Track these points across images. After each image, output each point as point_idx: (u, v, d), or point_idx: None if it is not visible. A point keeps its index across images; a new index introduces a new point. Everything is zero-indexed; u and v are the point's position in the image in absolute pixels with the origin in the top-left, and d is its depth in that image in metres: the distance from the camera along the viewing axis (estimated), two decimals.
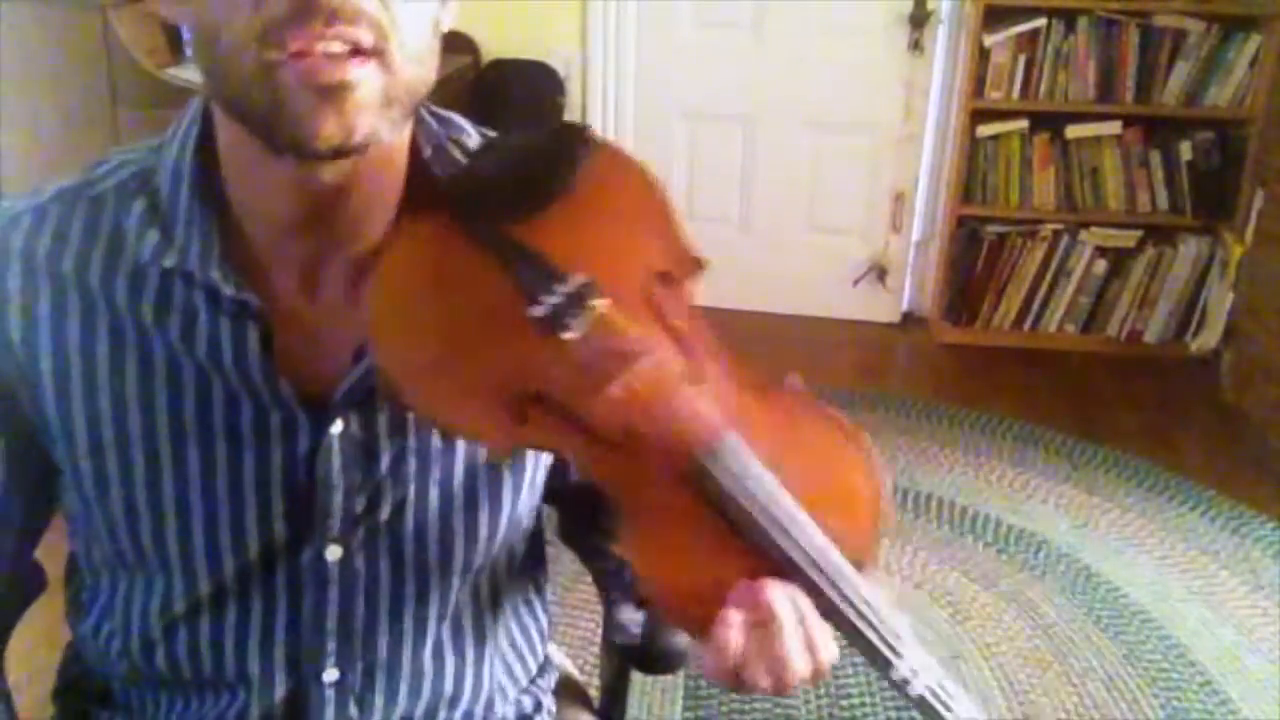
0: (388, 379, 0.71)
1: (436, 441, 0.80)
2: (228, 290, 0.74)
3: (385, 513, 0.80)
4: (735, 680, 0.71)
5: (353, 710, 0.84)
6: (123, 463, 0.77)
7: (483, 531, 0.84)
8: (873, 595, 0.71)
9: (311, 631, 0.81)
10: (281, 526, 0.79)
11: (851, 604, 0.70)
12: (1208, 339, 3.36)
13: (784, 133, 3.54)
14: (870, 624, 0.71)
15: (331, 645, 0.82)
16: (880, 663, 0.71)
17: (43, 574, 0.93)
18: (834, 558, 0.71)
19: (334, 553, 0.80)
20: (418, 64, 0.68)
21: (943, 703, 0.70)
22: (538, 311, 0.70)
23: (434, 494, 0.81)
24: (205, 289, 0.75)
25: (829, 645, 0.71)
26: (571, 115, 3.52)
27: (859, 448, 0.75)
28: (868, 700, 2.08)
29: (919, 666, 0.71)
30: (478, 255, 0.71)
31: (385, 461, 0.79)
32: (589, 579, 1.13)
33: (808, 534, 0.71)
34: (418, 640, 0.85)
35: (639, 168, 0.76)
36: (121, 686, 0.89)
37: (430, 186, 0.75)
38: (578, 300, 0.70)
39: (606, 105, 3.57)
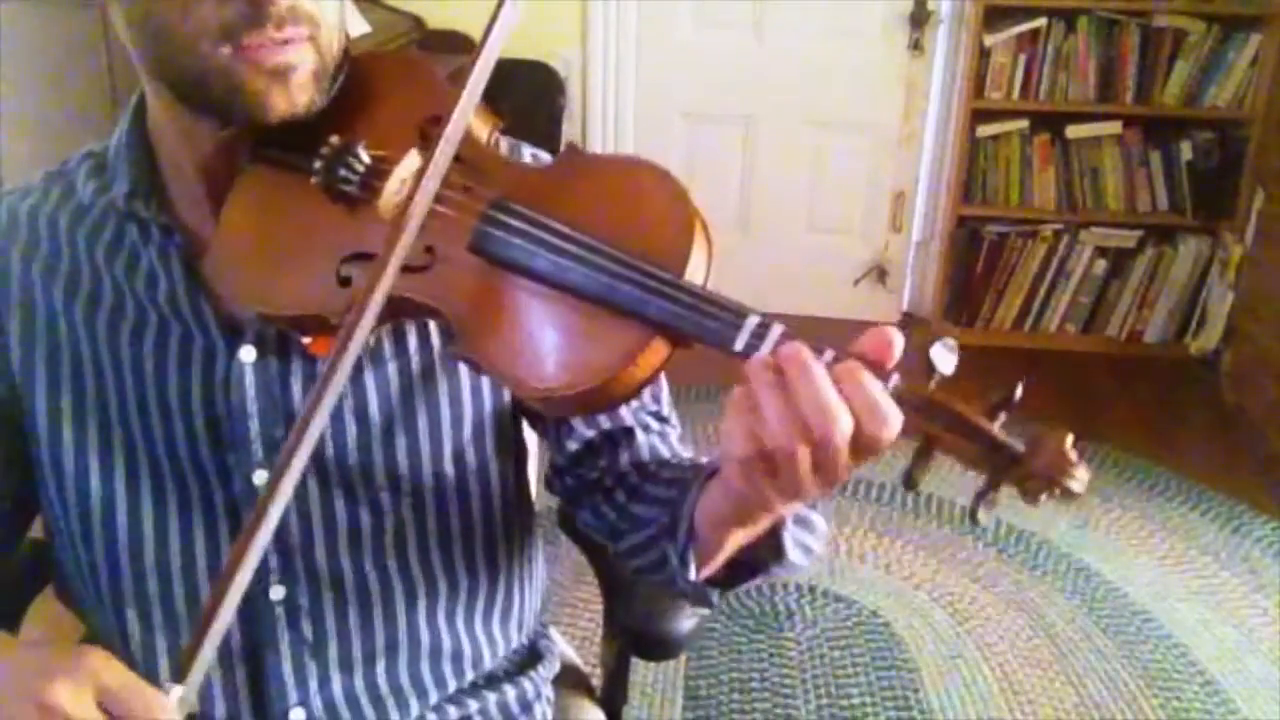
0: (241, 300, 0.81)
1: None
2: (147, 214, 0.85)
3: None
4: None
5: (306, 630, 0.88)
6: (76, 395, 0.86)
7: (402, 460, 0.88)
8: (690, 283, 0.70)
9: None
10: (206, 452, 0.85)
11: (671, 298, 0.68)
12: (1208, 339, 3.36)
13: (784, 133, 3.54)
14: (694, 307, 0.68)
15: (273, 562, 0.87)
16: (726, 337, 0.68)
17: (50, 555, 0.96)
18: (631, 260, 0.70)
19: (261, 477, 0.85)
20: (338, 40, 0.80)
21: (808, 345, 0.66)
22: (315, 180, 0.78)
23: (350, 421, 0.87)
24: (137, 223, 0.86)
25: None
26: (571, 115, 3.53)
27: (639, 166, 0.78)
28: (868, 700, 2.08)
29: (764, 322, 0.67)
30: (271, 175, 0.81)
31: (297, 389, 0.86)
32: (590, 577, 1.14)
33: (597, 250, 0.70)
34: (355, 553, 0.89)
35: (387, 55, 0.88)
36: (111, 635, 0.92)
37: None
38: (340, 153, 0.77)
39: (606, 105, 3.57)
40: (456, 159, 0.75)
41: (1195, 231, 3.39)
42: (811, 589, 2.37)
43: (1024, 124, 3.34)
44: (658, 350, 0.70)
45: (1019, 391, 0.65)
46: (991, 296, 3.51)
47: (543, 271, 0.72)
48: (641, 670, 2.06)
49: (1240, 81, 3.24)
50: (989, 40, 3.24)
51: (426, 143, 0.78)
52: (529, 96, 3.40)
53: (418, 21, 3.39)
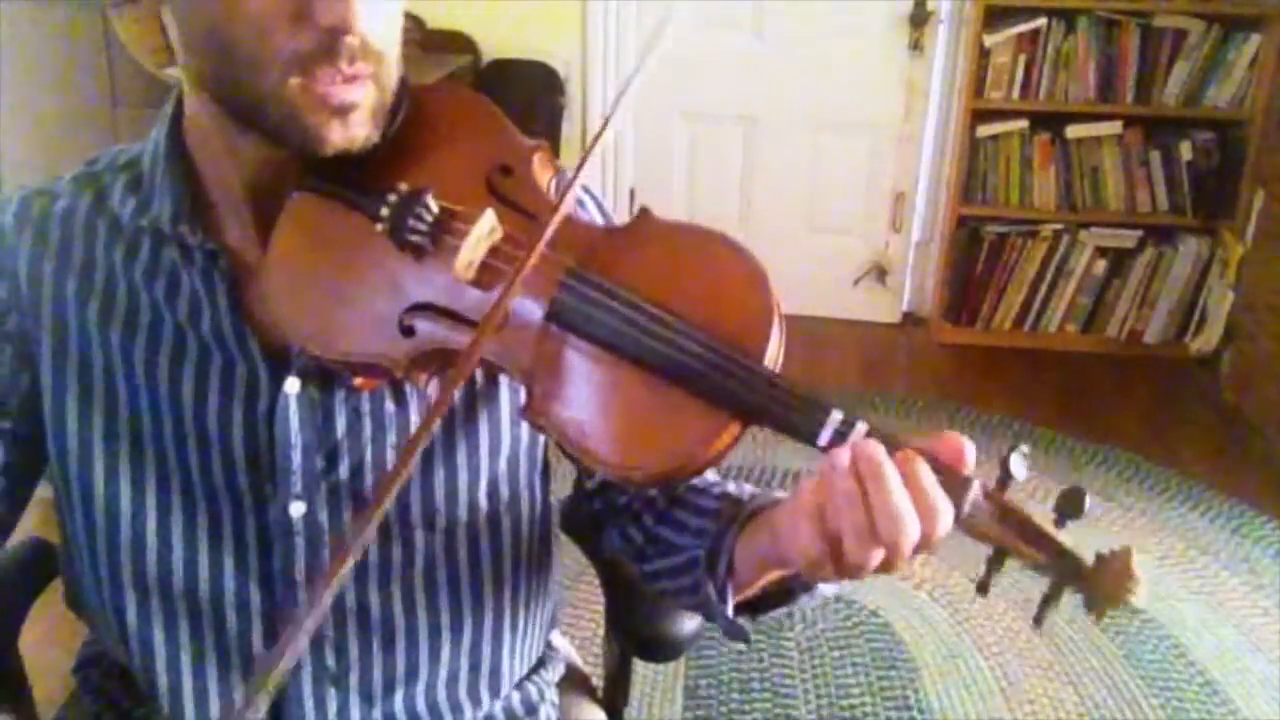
0: (294, 337, 0.79)
1: (390, 406, 0.85)
2: (193, 240, 0.82)
3: (344, 472, 0.85)
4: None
5: (330, 660, 0.88)
6: (108, 417, 0.84)
7: (439, 492, 0.88)
8: (775, 372, 0.70)
9: (282, 582, 0.85)
10: (244, 480, 0.84)
11: (752, 385, 0.69)
12: (1208, 339, 3.36)
13: (784, 133, 3.54)
14: (778, 398, 0.69)
15: (302, 596, 0.86)
16: (810, 432, 0.68)
17: (54, 555, 0.96)
18: (717, 346, 0.69)
19: (298, 509, 0.84)
20: (396, 73, 0.78)
21: (885, 440, 0.68)
22: (380, 227, 0.76)
23: (391, 455, 0.86)
24: (179, 246, 0.83)
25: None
26: (571, 115, 3.53)
27: (719, 242, 0.75)
28: (868, 700, 2.08)
29: (845, 419, 0.68)
30: (333, 208, 0.79)
31: (341, 423, 0.84)
32: (591, 576, 1.14)
33: (681, 332, 0.70)
34: (383, 587, 0.88)
35: (453, 92, 0.85)
36: (129, 655, 0.92)
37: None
38: (409, 203, 0.76)
39: (606, 105, 3.57)
40: (530, 215, 0.74)
41: (1195, 231, 3.39)
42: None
43: (1024, 124, 3.34)
44: (733, 432, 0.70)
45: (1087, 503, 0.68)
46: (991, 296, 3.51)
47: (622, 346, 0.71)
48: (642, 670, 2.06)
49: (1240, 81, 3.24)
50: (989, 40, 3.24)
51: (497, 197, 0.77)
52: (529, 96, 3.41)
53: (417, 22, 3.38)
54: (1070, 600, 0.68)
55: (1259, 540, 2.59)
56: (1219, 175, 3.31)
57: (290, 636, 0.62)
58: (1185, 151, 3.31)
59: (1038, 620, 0.69)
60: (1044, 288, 3.47)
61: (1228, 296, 3.26)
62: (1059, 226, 3.42)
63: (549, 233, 0.71)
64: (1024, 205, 3.43)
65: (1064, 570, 0.67)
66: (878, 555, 0.66)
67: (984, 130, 3.36)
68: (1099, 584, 0.66)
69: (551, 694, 1.04)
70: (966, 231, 3.46)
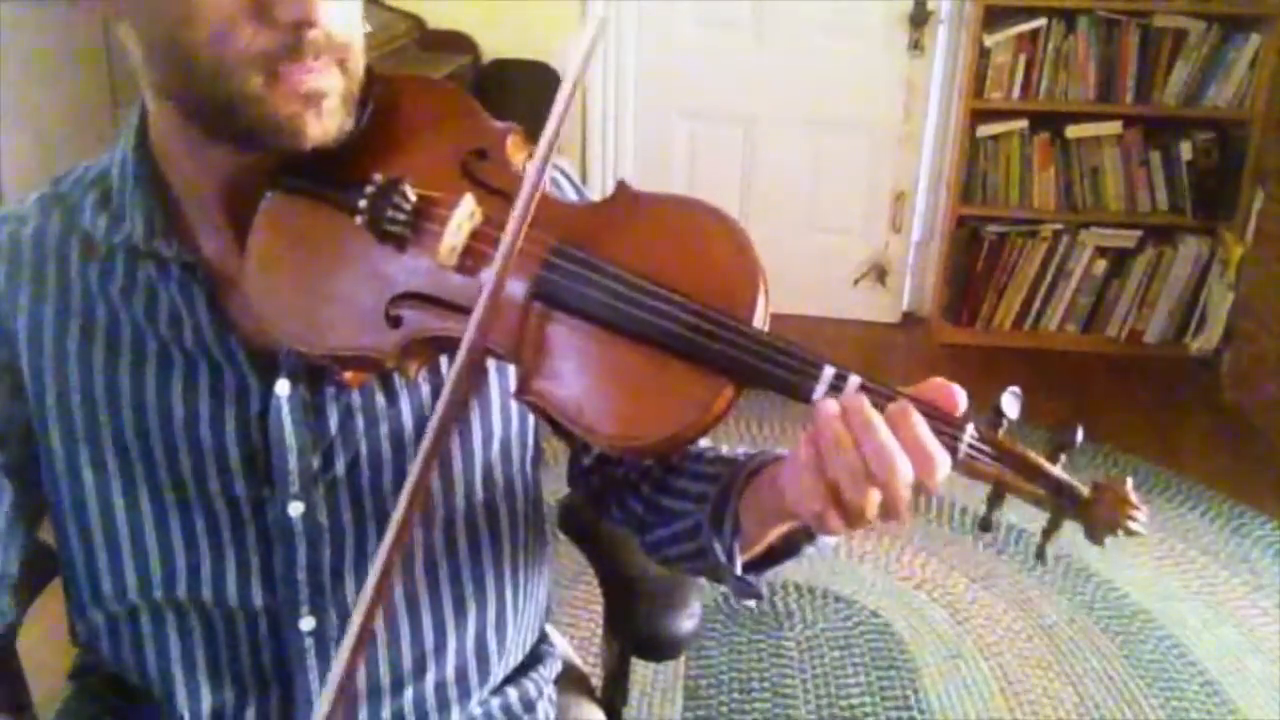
0: (281, 338, 0.78)
1: (380, 399, 0.85)
2: (169, 253, 0.82)
3: (341, 468, 0.85)
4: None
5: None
6: (91, 439, 0.84)
7: (435, 486, 0.88)
8: (766, 332, 0.70)
9: (284, 583, 0.86)
10: (241, 486, 0.84)
11: (744, 347, 0.69)
12: (1208, 339, 3.37)
13: (784, 133, 3.54)
14: (771, 358, 0.69)
15: (304, 594, 0.86)
16: (805, 389, 0.69)
17: (54, 556, 0.96)
18: (707, 312, 0.69)
19: (296, 509, 0.85)
20: (362, 61, 0.78)
21: (879, 393, 0.68)
22: (359, 220, 0.75)
23: (386, 448, 0.86)
24: (155, 260, 0.83)
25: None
26: (571, 115, 3.52)
27: (699, 209, 0.75)
28: (868, 700, 2.08)
29: (839, 373, 0.68)
30: (308, 206, 0.78)
31: (333, 420, 0.85)
32: (590, 577, 1.14)
33: (669, 301, 0.70)
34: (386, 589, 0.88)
35: (420, 80, 0.84)
36: (129, 666, 0.92)
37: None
38: (386, 193, 0.75)
39: (606, 105, 3.57)
40: (508, 198, 0.74)
41: (1195, 231, 3.39)
42: (811, 589, 2.37)
43: (1024, 124, 3.34)
44: (729, 396, 0.70)
45: (1079, 435, 0.69)
46: (991, 296, 3.50)
47: (611, 320, 0.71)
48: (641, 670, 2.06)
49: (1240, 81, 3.24)
50: (989, 40, 3.24)
51: (474, 181, 0.77)
52: (529, 96, 3.41)
53: (418, 21, 3.39)
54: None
55: (1259, 540, 2.59)
56: (1219, 175, 3.31)
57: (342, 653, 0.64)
58: (1185, 151, 3.31)
59: (1040, 553, 0.70)
60: (1044, 288, 3.47)
61: (1228, 296, 3.26)
62: (1059, 226, 3.42)
63: (521, 208, 0.71)
64: (1024, 205, 3.43)
65: (1062, 502, 0.68)
66: (875, 497, 0.67)
67: (984, 130, 3.36)
68: (1097, 513, 0.67)
69: (550, 690, 1.05)
70: (966, 231, 3.46)
